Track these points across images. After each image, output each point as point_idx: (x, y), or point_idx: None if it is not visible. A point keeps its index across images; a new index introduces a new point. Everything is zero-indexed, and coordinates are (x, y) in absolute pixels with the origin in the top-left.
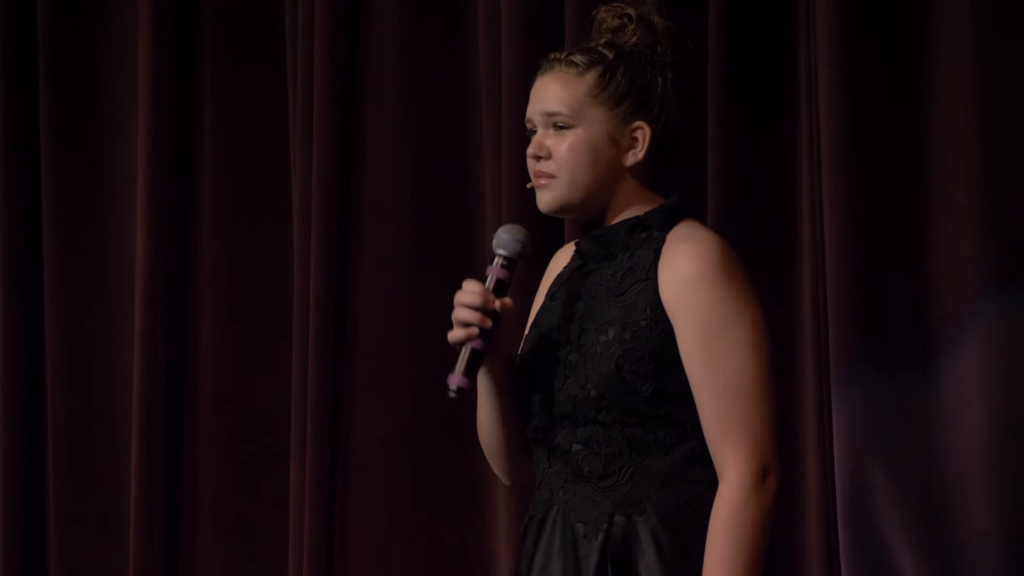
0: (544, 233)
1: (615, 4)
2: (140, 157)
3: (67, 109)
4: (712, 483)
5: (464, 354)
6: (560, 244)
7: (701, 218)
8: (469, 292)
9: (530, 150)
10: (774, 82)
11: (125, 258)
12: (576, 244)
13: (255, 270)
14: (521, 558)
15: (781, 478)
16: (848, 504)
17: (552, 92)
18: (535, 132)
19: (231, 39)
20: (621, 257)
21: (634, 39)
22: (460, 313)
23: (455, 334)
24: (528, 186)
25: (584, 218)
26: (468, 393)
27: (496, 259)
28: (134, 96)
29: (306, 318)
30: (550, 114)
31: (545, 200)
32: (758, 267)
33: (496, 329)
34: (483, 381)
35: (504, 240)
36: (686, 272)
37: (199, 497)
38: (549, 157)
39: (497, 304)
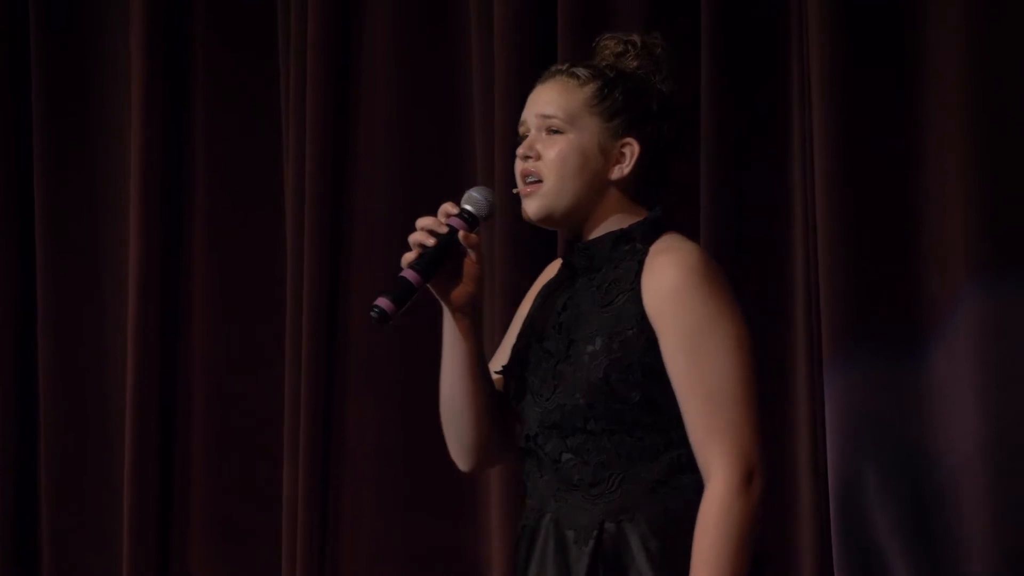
0: (535, 244)
1: (619, 32)
2: (133, 158)
3: (60, 110)
4: (699, 489)
5: (396, 281)
6: (551, 252)
7: (692, 218)
8: (424, 216)
9: (520, 150)
10: (767, 81)
11: (118, 260)
12: (563, 257)
13: (248, 273)
14: (516, 567)
15: (766, 481)
16: (840, 500)
17: (550, 97)
18: (527, 135)
19: (224, 37)
20: (606, 269)
21: (635, 64)
22: (412, 236)
23: (406, 256)
24: (514, 191)
25: (568, 229)
26: (388, 320)
27: (460, 211)
28: (127, 96)
29: (299, 321)
30: (545, 116)
31: (532, 207)
32: (751, 267)
33: (451, 263)
34: (446, 334)
35: (474, 198)
36: (668, 282)
37: (192, 501)
38: (538, 158)
39: (461, 234)
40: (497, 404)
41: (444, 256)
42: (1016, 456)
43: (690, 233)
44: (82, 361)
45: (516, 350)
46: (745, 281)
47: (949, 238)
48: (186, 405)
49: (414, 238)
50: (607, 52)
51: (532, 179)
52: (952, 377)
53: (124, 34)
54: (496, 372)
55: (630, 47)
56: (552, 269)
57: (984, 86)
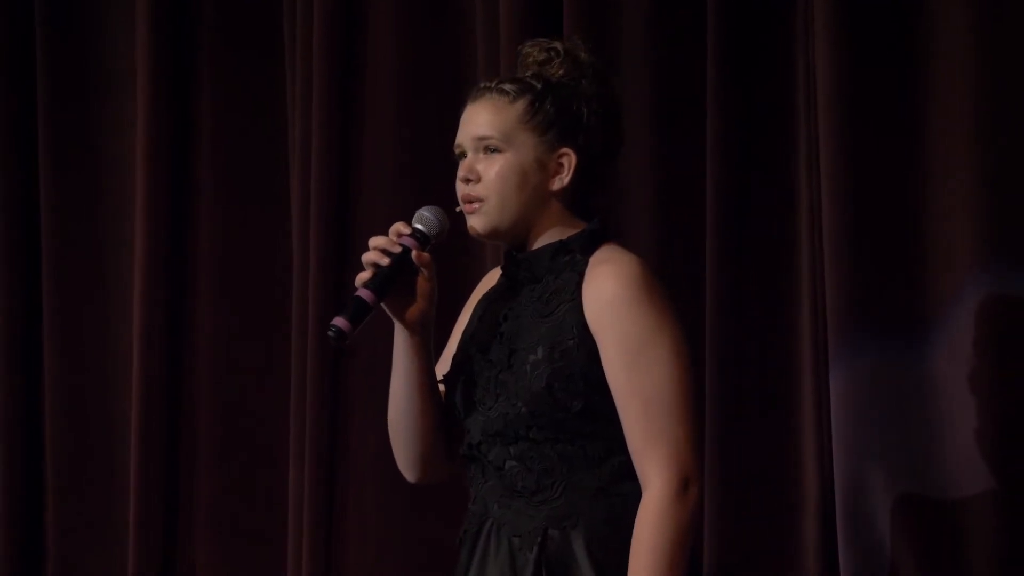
0: None
1: (541, 40)
2: (139, 156)
3: (65, 106)
4: (641, 496)
5: (351, 300)
6: None
7: (696, 218)
8: (377, 236)
9: (460, 173)
10: (772, 80)
11: (122, 258)
12: (502, 267)
13: (253, 271)
14: (456, 572)
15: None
16: (846, 498)
17: (484, 118)
18: (464, 157)
19: (228, 36)
20: (547, 279)
21: (560, 72)
22: (365, 255)
23: (360, 275)
24: (456, 209)
25: (511, 242)
26: (345, 338)
27: (412, 230)
28: (131, 94)
29: (305, 320)
30: (481, 138)
31: (477, 224)
32: (755, 267)
33: (405, 280)
34: (398, 351)
35: (425, 217)
36: (608, 293)
37: (197, 502)
38: (479, 180)
39: (414, 253)
40: (444, 416)
41: (397, 275)
42: (1021, 453)
43: (692, 233)
44: (86, 360)
45: (458, 360)
46: (749, 281)
47: (953, 237)
48: (191, 404)
49: (367, 258)
50: (530, 61)
51: (475, 201)
52: (956, 375)
53: (127, 32)
54: (439, 381)
55: (553, 55)
56: (491, 278)
57: (988, 87)
